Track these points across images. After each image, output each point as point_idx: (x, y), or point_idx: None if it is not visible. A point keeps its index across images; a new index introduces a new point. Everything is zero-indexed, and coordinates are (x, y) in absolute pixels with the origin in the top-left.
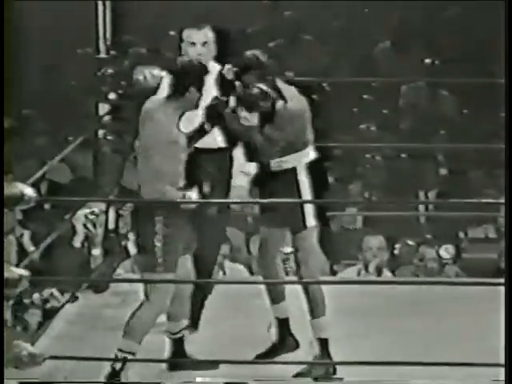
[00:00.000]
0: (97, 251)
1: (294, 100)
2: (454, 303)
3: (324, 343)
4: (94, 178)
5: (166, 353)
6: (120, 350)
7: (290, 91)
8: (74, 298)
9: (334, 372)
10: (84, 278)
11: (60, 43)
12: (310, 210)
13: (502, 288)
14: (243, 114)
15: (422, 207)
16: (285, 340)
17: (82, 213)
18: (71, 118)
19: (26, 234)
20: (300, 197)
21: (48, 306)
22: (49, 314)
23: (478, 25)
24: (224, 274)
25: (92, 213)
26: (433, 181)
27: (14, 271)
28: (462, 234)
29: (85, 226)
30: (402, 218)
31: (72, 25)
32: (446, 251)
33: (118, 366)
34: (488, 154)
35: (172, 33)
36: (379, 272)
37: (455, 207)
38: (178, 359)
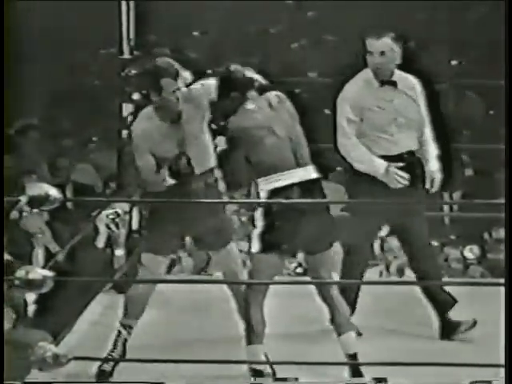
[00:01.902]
0: (120, 251)
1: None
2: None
3: (353, 359)
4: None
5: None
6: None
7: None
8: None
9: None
10: (106, 279)
11: (84, 43)
12: (255, 236)
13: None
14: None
15: (446, 208)
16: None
17: (104, 213)
18: (95, 119)
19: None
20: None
21: None
22: None
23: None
24: None
25: (115, 213)
26: (458, 181)
27: (39, 272)
28: (486, 235)
29: (107, 226)
30: (426, 218)
31: (96, 25)
32: (471, 252)
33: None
34: None
35: (195, 33)
36: (401, 273)
37: (479, 208)
38: None
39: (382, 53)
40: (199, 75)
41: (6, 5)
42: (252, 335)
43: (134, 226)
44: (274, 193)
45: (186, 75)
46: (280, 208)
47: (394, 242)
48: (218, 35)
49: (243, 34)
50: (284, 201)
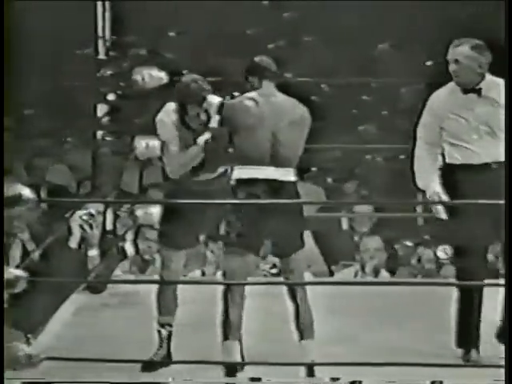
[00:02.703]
0: (93, 252)
1: None
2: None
3: (309, 366)
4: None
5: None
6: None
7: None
8: None
9: None
10: (81, 280)
11: (59, 44)
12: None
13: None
14: None
15: (419, 208)
16: None
17: (78, 214)
18: (70, 119)
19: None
20: None
21: None
22: None
23: (483, 25)
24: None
25: (88, 214)
26: None
27: (12, 272)
28: None
29: (81, 226)
30: (401, 218)
31: (72, 25)
32: (444, 252)
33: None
34: None
35: (171, 33)
36: (376, 273)
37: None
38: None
39: (456, 61)
40: (175, 75)
41: (6, 5)
42: (228, 331)
43: (108, 226)
44: (240, 183)
45: (162, 75)
46: (247, 203)
47: (370, 242)
48: (195, 36)
49: (220, 35)
50: (282, 201)
